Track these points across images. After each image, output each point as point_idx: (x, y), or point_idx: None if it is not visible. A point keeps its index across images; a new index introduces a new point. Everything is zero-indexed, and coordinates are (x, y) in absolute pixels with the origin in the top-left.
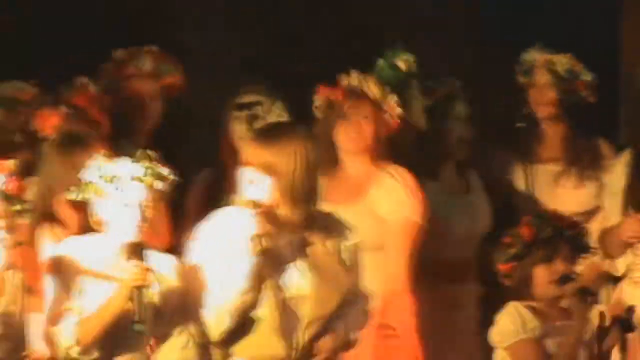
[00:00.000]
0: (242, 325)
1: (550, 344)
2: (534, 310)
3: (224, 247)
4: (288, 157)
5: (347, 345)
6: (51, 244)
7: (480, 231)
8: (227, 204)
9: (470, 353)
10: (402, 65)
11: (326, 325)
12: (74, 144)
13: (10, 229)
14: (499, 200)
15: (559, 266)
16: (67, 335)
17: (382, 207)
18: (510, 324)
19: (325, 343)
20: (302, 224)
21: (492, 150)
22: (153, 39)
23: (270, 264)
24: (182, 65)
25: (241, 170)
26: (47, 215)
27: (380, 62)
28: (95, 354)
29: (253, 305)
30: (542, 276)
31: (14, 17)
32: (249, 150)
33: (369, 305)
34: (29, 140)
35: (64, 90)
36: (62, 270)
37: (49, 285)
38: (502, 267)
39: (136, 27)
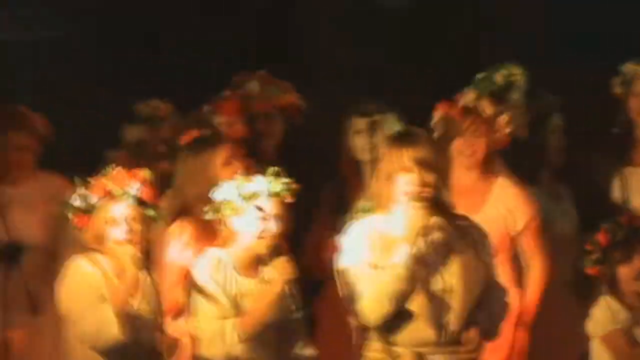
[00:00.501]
0: (398, 314)
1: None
2: (623, 302)
3: (379, 241)
4: (439, 156)
5: (490, 335)
6: (181, 247)
7: (569, 233)
8: (355, 210)
9: (571, 342)
10: (509, 78)
11: (471, 317)
12: (204, 147)
13: (144, 232)
14: (591, 205)
15: (638, 263)
16: (230, 334)
17: (506, 214)
18: (603, 316)
19: (471, 332)
20: (449, 222)
21: (589, 156)
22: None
23: (424, 256)
24: (293, 87)
25: (398, 174)
26: (179, 216)
27: (488, 75)
28: (259, 349)
29: (408, 293)
30: (625, 274)
31: (151, 47)
32: (397, 154)
33: (508, 299)
34: (169, 152)
35: (206, 106)
36: (203, 280)
37: (195, 294)
38: (589, 271)
39: (266, 48)
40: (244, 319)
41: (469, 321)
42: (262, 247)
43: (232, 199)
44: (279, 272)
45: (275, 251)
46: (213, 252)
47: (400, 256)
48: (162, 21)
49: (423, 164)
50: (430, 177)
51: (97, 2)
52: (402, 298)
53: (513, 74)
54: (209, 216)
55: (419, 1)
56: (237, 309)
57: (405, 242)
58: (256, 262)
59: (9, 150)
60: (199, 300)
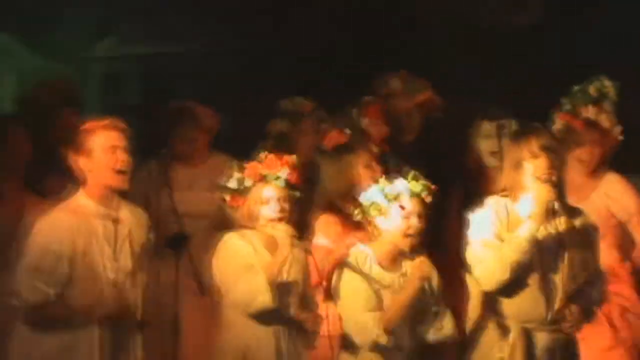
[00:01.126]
0: (513, 292)
1: None
2: None
3: (505, 218)
4: (562, 150)
5: (588, 317)
6: (325, 237)
7: None
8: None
9: None
10: (602, 90)
11: (573, 299)
12: (347, 151)
13: (292, 210)
14: None
15: None
16: (372, 326)
17: (611, 202)
18: None
19: (574, 311)
20: (565, 210)
21: None
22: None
23: (545, 235)
24: (430, 84)
25: (527, 161)
26: (324, 209)
27: (583, 87)
28: (398, 337)
29: (525, 266)
30: None
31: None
32: (525, 143)
33: (606, 286)
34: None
35: (349, 108)
36: (351, 273)
37: (342, 283)
38: None
39: (396, 54)
40: (385, 313)
41: (571, 302)
42: (404, 244)
43: (377, 201)
44: (417, 269)
45: (415, 248)
46: (360, 247)
47: (525, 230)
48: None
49: (550, 150)
50: (556, 162)
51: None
52: (518, 268)
53: (605, 86)
54: (357, 217)
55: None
56: (379, 300)
57: (532, 219)
58: (398, 258)
59: (185, 142)
60: (345, 290)
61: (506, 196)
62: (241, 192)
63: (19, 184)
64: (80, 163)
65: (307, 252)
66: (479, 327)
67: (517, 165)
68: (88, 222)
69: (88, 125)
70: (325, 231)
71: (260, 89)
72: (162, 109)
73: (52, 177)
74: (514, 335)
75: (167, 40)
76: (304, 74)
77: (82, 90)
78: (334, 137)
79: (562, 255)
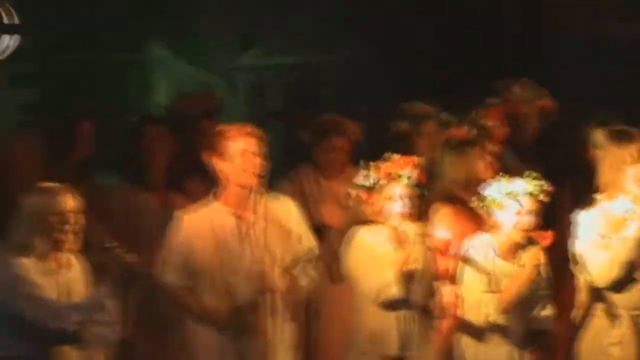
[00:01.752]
0: (626, 281)
1: None
2: None
3: (608, 219)
4: None
5: None
6: (446, 227)
7: None
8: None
9: None
10: None
11: None
12: (469, 148)
13: (416, 207)
14: None
15: None
16: (486, 306)
17: None
18: None
19: None
20: None
21: None
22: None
23: None
24: (547, 92)
25: (628, 166)
26: (444, 200)
27: None
28: (509, 317)
29: (636, 263)
30: None
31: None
32: (626, 148)
33: None
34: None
35: (473, 109)
36: (473, 258)
37: (464, 268)
38: None
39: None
40: (500, 296)
41: None
42: (519, 237)
43: (497, 196)
44: (531, 259)
45: (530, 240)
46: (482, 237)
47: (632, 230)
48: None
49: None
50: None
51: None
52: (629, 267)
53: None
54: (480, 210)
55: None
56: (496, 286)
57: (638, 219)
58: (514, 249)
59: (329, 151)
60: (466, 274)
61: (604, 196)
62: (372, 189)
63: (164, 182)
64: (220, 166)
65: (430, 245)
66: (588, 315)
67: (618, 168)
68: (225, 220)
69: (229, 131)
70: (446, 224)
71: (391, 93)
72: (306, 118)
73: (192, 179)
74: (625, 323)
75: (309, 51)
76: (437, 76)
77: (228, 98)
78: (457, 133)
79: None
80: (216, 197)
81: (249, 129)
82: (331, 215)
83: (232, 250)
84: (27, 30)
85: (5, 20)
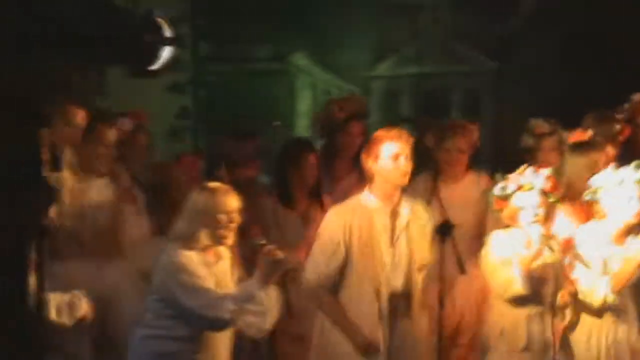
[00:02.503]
0: None
1: None
2: None
3: None
4: None
5: None
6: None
7: None
8: None
9: None
10: None
11: None
12: (589, 148)
13: (547, 214)
14: None
15: None
16: (602, 289)
17: None
18: None
19: None
20: None
21: None
22: None
23: None
24: None
25: None
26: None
27: None
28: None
29: None
30: None
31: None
32: None
33: None
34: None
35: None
36: (583, 246)
37: (577, 256)
38: None
39: None
40: (614, 279)
41: None
42: (630, 222)
43: (604, 184)
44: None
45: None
46: (592, 225)
47: None
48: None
49: None
50: None
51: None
52: None
53: None
54: (587, 197)
55: None
56: (607, 269)
57: None
58: (625, 234)
59: (450, 153)
60: (580, 261)
61: None
62: (504, 197)
63: (307, 197)
64: (370, 166)
65: (555, 245)
66: None
67: None
68: (370, 215)
69: (379, 134)
70: (568, 221)
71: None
72: (433, 123)
73: (329, 194)
74: None
75: (440, 61)
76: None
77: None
78: (578, 135)
79: None
80: (362, 194)
81: (397, 132)
82: (458, 214)
83: (383, 246)
84: (184, 44)
85: (168, 34)
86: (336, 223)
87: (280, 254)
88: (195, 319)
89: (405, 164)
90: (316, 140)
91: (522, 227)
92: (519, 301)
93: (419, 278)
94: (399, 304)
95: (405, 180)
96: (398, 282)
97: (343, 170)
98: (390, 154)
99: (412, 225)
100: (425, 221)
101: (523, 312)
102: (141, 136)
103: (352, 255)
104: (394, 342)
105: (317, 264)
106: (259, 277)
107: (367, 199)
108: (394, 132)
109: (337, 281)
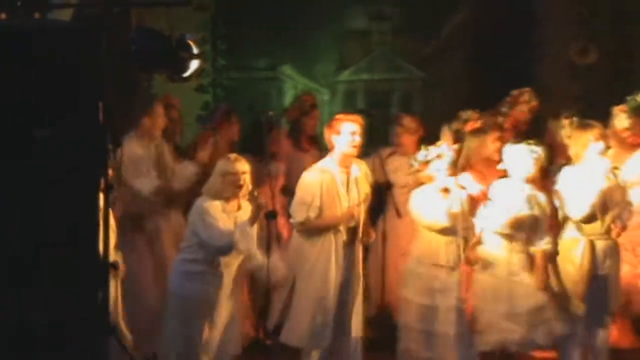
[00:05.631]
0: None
1: None
2: None
3: None
4: None
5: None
6: None
7: None
8: None
9: None
10: None
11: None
12: (480, 133)
13: (451, 172)
14: None
15: None
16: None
17: None
18: None
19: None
20: None
21: None
22: None
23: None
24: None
25: None
26: (470, 166)
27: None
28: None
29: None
30: None
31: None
32: None
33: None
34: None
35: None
36: None
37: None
38: None
39: None
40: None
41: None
42: (531, 176)
43: (510, 156)
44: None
45: None
46: (503, 181)
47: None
48: None
49: None
50: None
51: None
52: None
53: None
54: (501, 166)
55: None
56: (510, 208)
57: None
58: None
59: (402, 134)
60: (491, 202)
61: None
62: (425, 162)
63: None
64: (331, 139)
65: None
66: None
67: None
68: (332, 175)
69: (340, 116)
70: (472, 181)
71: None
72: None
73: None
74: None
75: (384, 71)
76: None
77: (331, 101)
78: (472, 124)
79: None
80: (326, 160)
81: (354, 117)
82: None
83: (342, 194)
84: (206, 58)
85: (195, 51)
86: (310, 181)
87: (262, 201)
88: (207, 246)
89: (358, 140)
90: (286, 123)
91: (436, 182)
92: (442, 232)
93: (363, 207)
94: (352, 235)
95: (356, 151)
96: (350, 220)
97: (306, 143)
98: (348, 131)
99: (359, 178)
100: (366, 172)
101: (443, 239)
102: (174, 111)
103: (322, 202)
104: (347, 264)
105: (300, 210)
106: (250, 218)
107: (329, 164)
108: (351, 115)
109: (313, 219)
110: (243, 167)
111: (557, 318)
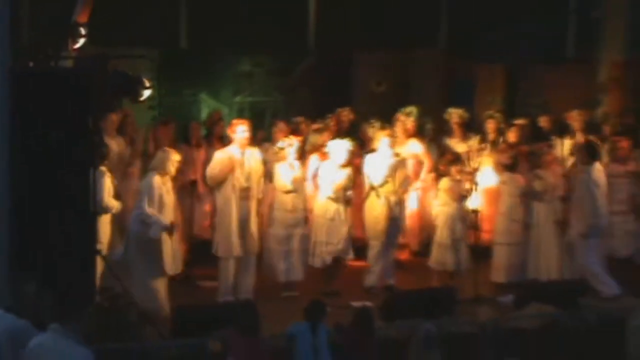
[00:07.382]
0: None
1: None
2: None
3: None
4: None
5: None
6: None
7: None
8: None
9: None
10: None
11: None
12: (318, 134)
13: (298, 157)
14: None
15: None
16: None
17: None
18: None
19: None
20: None
21: None
22: None
23: None
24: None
25: None
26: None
27: None
28: None
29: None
30: None
31: None
32: None
33: None
34: None
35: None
36: None
37: None
38: None
39: None
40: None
41: None
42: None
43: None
44: None
45: None
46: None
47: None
48: None
49: None
50: None
51: None
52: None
53: None
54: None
55: None
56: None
57: None
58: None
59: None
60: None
61: None
62: (282, 148)
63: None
64: (231, 135)
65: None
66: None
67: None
68: (233, 155)
69: (235, 121)
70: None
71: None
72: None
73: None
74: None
75: (257, 95)
76: None
77: (230, 115)
78: (316, 126)
79: None
80: (230, 146)
81: (245, 122)
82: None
83: (239, 170)
84: (153, 88)
85: (147, 85)
86: (220, 158)
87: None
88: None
89: (247, 135)
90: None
91: (288, 160)
92: (287, 192)
93: (256, 177)
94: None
95: (247, 142)
96: (246, 184)
97: (216, 140)
98: (241, 130)
99: (250, 158)
100: (254, 152)
101: (290, 196)
102: (130, 118)
103: (227, 174)
104: (241, 219)
105: (213, 175)
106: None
107: (232, 149)
108: (242, 120)
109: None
110: (173, 157)
111: None
